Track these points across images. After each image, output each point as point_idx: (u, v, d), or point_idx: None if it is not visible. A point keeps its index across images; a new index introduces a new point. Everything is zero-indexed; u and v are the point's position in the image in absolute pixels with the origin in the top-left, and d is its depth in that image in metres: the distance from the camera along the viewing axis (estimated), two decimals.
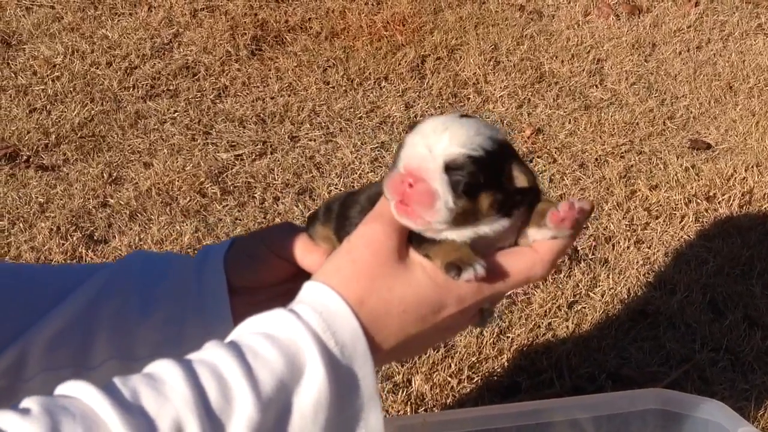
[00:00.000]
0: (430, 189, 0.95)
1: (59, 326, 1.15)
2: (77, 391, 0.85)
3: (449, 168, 0.95)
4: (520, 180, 1.00)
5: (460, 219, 0.98)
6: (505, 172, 0.99)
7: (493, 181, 0.98)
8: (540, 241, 1.03)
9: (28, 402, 0.82)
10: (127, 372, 1.08)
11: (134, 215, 2.77)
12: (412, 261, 1.01)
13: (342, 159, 3.10)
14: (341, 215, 1.17)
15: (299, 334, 0.93)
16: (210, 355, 0.92)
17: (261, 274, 1.22)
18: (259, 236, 1.26)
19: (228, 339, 0.96)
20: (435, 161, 0.95)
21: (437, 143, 0.96)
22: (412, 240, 1.02)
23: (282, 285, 1.23)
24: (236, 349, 0.92)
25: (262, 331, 0.94)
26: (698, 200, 2.96)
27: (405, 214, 0.97)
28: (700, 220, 2.89)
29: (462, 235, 1.00)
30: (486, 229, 1.00)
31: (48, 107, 3.21)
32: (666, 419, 1.36)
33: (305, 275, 1.15)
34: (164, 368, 0.90)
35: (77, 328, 1.16)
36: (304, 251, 1.20)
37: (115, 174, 2.94)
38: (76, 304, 1.17)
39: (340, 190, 2.96)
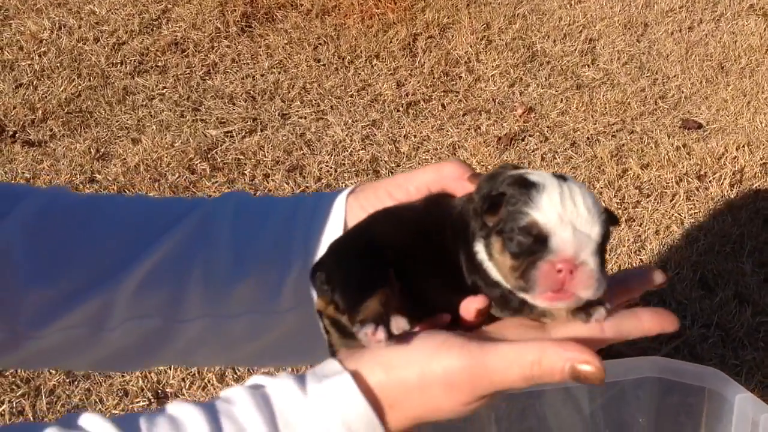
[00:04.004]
0: (592, 270, 0.89)
1: (150, 269, 1.04)
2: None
3: (600, 243, 0.90)
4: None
5: None
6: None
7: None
8: None
9: None
10: (220, 331, 1.06)
11: (122, 191, 2.74)
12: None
13: (333, 137, 3.08)
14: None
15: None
16: (240, 412, 0.86)
17: None
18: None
19: (254, 383, 0.89)
20: (591, 241, 0.89)
21: (579, 220, 0.89)
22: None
23: None
24: (269, 413, 0.86)
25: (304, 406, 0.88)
26: (689, 179, 2.95)
27: (558, 300, 0.89)
28: (691, 198, 2.88)
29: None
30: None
31: (34, 82, 3.17)
32: (663, 387, 1.35)
33: None
34: (189, 416, 0.86)
35: (168, 276, 1.05)
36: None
37: (102, 150, 2.90)
38: (168, 249, 1.06)
39: (331, 167, 2.93)
